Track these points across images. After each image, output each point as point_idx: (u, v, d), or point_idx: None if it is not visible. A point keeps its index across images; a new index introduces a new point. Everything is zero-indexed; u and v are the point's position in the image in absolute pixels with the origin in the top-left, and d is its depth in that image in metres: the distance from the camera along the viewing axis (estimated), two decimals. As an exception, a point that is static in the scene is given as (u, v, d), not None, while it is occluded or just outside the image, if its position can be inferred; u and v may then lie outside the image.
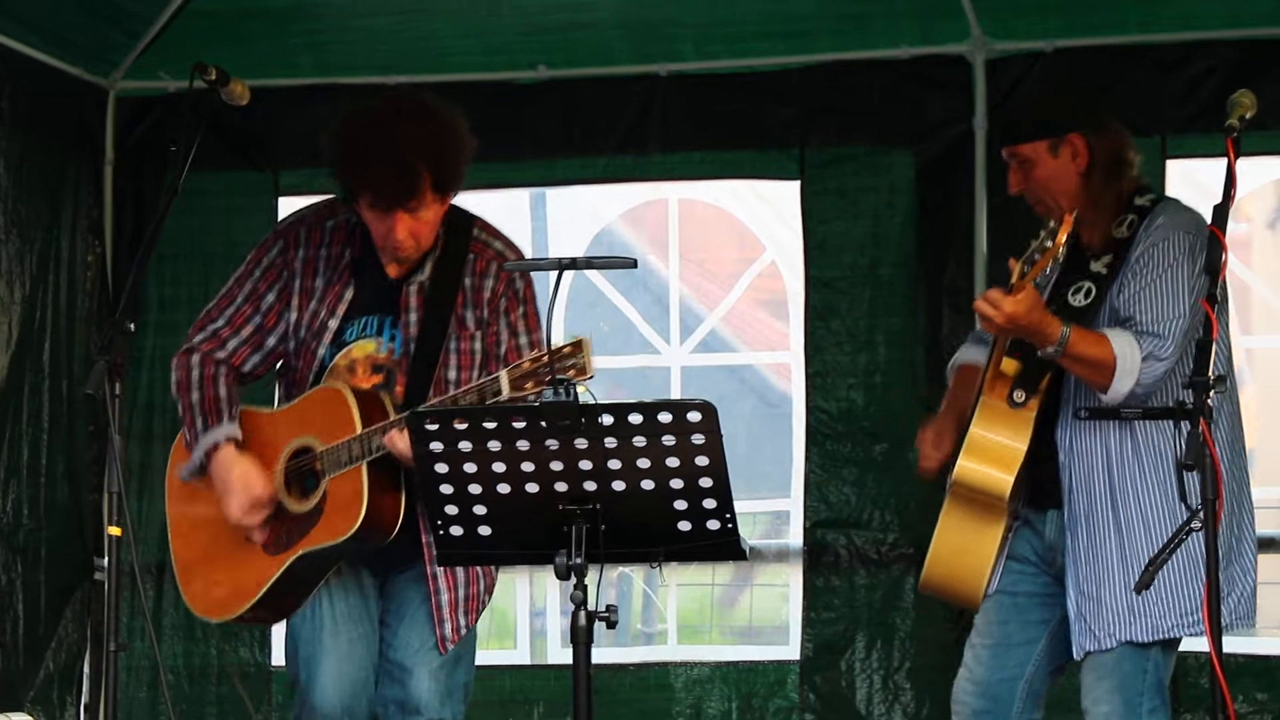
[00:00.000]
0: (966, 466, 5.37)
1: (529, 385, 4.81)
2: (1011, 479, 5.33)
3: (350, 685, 5.36)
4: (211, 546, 5.45)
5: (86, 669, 7.56)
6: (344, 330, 5.38)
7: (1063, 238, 5.06)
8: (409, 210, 5.20)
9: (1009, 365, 5.35)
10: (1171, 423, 5.31)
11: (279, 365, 5.52)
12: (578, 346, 4.74)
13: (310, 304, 5.41)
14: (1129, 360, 5.23)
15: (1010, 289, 5.10)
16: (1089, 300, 5.39)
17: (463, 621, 5.38)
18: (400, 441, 5.00)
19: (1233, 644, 7.11)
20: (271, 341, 5.47)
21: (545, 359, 4.79)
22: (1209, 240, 4.70)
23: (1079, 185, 5.44)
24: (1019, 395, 5.34)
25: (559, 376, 4.64)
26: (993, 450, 5.35)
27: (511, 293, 5.34)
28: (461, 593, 5.37)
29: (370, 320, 5.38)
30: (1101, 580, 5.37)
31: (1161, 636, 5.37)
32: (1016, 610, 5.55)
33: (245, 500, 5.29)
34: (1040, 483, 5.47)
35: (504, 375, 4.89)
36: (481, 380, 5.03)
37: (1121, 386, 5.24)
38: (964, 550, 5.46)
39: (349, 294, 5.40)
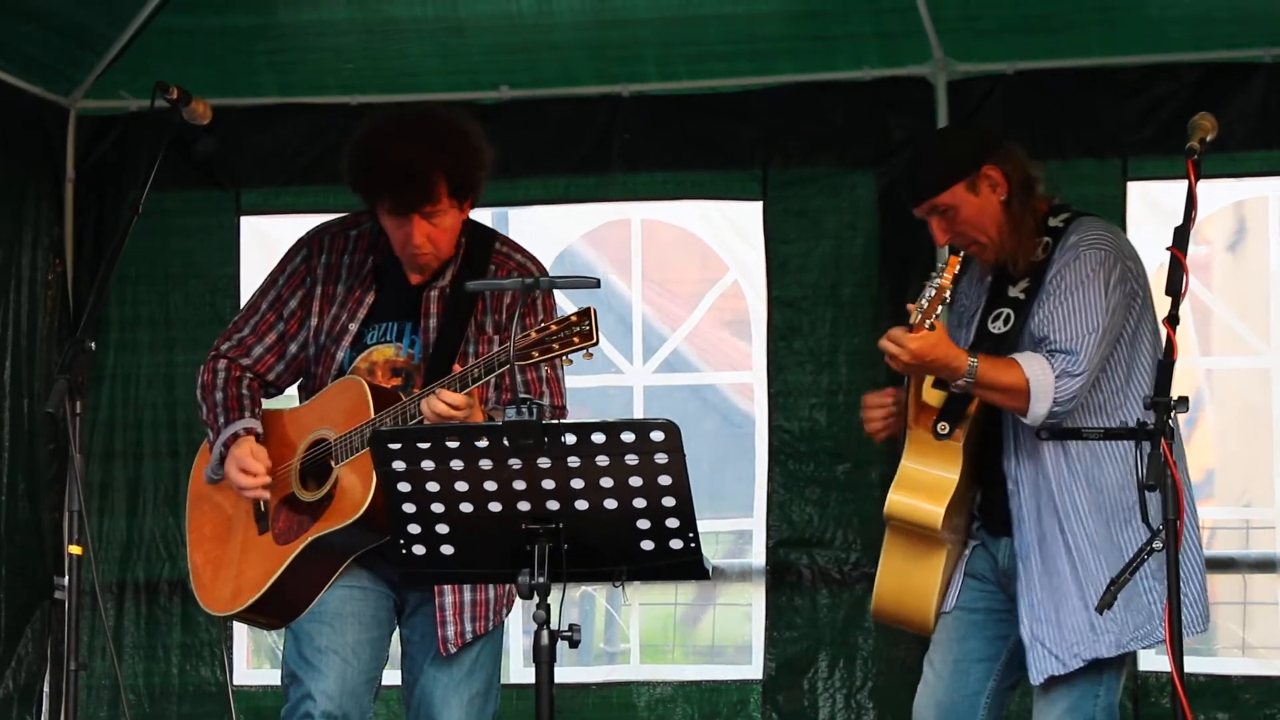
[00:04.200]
0: (897, 500, 5.39)
1: (535, 354, 4.81)
2: (941, 510, 5.34)
3: (352, 685, 5.36)
4: (227, 543, 5.47)
5: (46, 688, 7.52)
6: (364, 334, 5.44)
7: (948, 279, 5.03)
8: (425, 215, 5.27)
9: (933, 396, 5.38)
10: (1111, 444, 5.37)
11: (299, 380, 5.56)
12: (584, 315, 4.78)
13: (331, 309, 5.47)
14: (1042, 382, 5.25)
15: (910, 328, 5.09)
16: (1008, 326, 5.42)
17: (468, 627, 5.38)
18: (431, 408, 5.02)
19: (1193, 664, 7.15)
20: (293, 348, 5.52)
21: (552, 328, 4.79)
22: (1172, 263, 4.72)
23: (1003, 215, 5.44)
24: (942, 427, 5.36)
25: (564, 350, 4.72)
26: (923, 482, 5.37)
27: (530, 301, 5.35)
28: (467, 596, 5.37)
29: (390, 325, 5.44)
30: (1060, 603, 5.38)
31: (1124, 650, 5.39)
32: (975, 627, 5.56)
33: (242, 466, 5.32)
34: (992, 509, 5.49)
35: (511, 345, 4.88)
36: (491, 352, 5.05)
37: (1039, 409, 5.26)
38: (908, 580, 5.48)
39: (370, 299, 5.46)
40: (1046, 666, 5.39)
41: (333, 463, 5.27)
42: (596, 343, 4.77)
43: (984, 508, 5.54)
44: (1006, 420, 5.43)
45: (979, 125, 5.73)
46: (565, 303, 8.91)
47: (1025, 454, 5.42)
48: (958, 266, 5.06)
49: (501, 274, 5.43)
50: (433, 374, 5.27)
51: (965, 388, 5.25)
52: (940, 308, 5.07)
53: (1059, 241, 5.44)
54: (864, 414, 5.63)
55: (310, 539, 5.27)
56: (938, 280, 5.02)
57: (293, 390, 5.65)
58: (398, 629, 5.54)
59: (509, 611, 5.52)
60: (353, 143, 5.39)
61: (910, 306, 5.13)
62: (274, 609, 5.40)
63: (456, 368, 5.13)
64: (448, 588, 5.33)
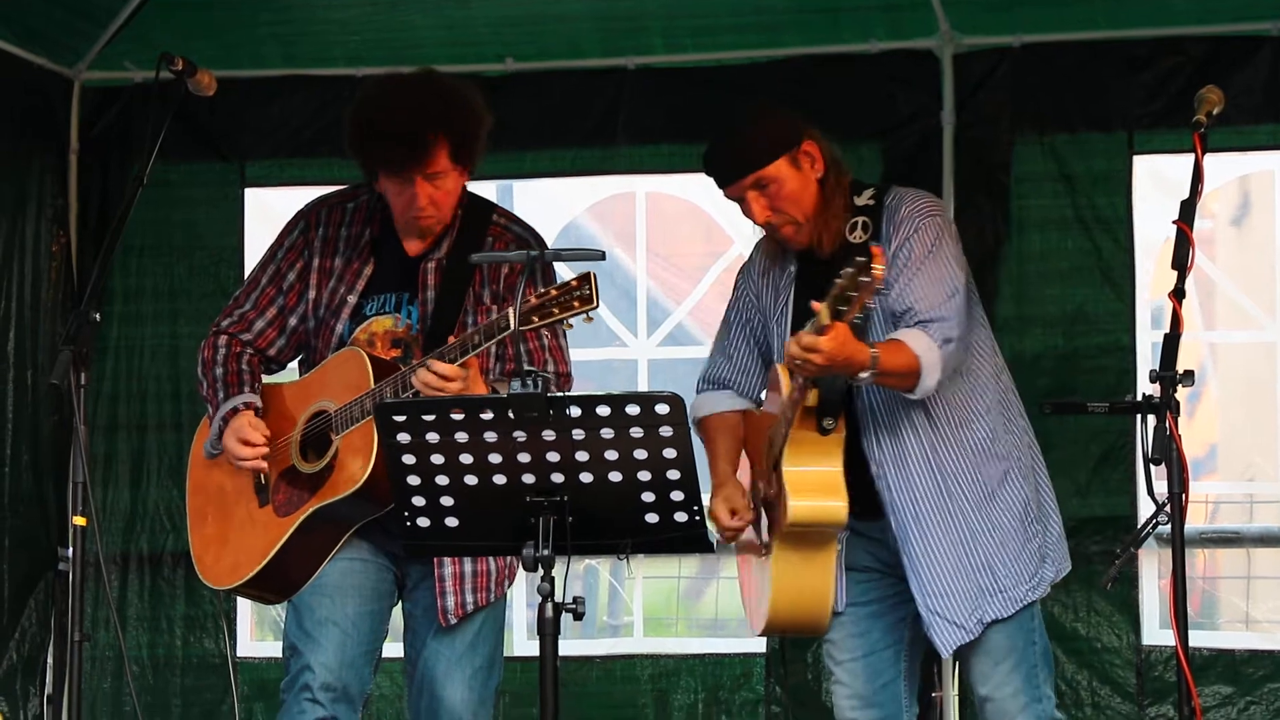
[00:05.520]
0: (801, 505, 5.25)
1: (536, 319, 4.77)
2: (845, 503, 5.26)
3: (352, 657, 5.37)
4: (227, 516, 5.46)
5: (50, 660, 7.53)
6: (362, 306, 5.44)
7: (881, 270, 4.82)
8: (427, 177, 5.26)
9: (809, 396, 5.25)
10: (975, 401, 5.39)
11: (300, 355, 5.57)
12: (584, 279, 4.74)
13: (329, 283, 5.47)
14: (930, 355, 5.21)
15: (820, 330, 4.94)
16: None
17: (469, 598, 5.38)
18: (422, 380, 5.02)
19: (1197, 638, 7.18)
20: (293, 322, 5.52)
21: (552, 293, 4.76)
22: (1178, 237, 4.72)
23: (819, 193, 5.37)
24: (829, 423, 5.27)
25: (564, 314, 4.68)
26: (818, 482, 5.27)
27: (530, 278, 5.31)
28: (468, 568, 5.37)
29: (389, 297, 5.44)
30: (947, 573, 5.36)
31: (1017, 607, 5.37)
32: (873, 618, 5.51)
33: (242, 438, 5.32)
34: (857, 493, 5.37)
35: (511, 311, 4.87)
36: (491, 319, 5.05)
37: (929, 382, 5.22)
38: (805, 584, 5.38)
39: (368, 271, 5.45)
40: (951, 638, 5.37)
41: (333, 434, 5.27)
42: (596, 306, 4.74)
43: (852, 494, 5.41)
44: (863, 403, 5.37)
45: (784, 107, 5.60)
46: (569, 275, 8.91)
47: (886, 434, 5.37)
48: (884, 257, 4.95)
49: (499, 246, 5.41)
50: (432, 345, 5.26)
51: (868, 380, 5.16)
52: (866, 307, 4.98)
53: (881, 218, 5.37)
54: (718, 524, 5.49)
55: (310, 510, 5.27)
56: (867, 275, 4.81)
57: (293, 365, 5.65)
58: (400, 603, 5.54)
59: (510, 584, 5.52)
60: (353, 106, 5.38)
61: (816, 306, 4.92)
62: (275, 582, 5.40)
63: (451, 339, 5.12)
64: (448, 559, 5.33)
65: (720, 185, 5.42)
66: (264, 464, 5.34)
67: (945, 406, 5.37)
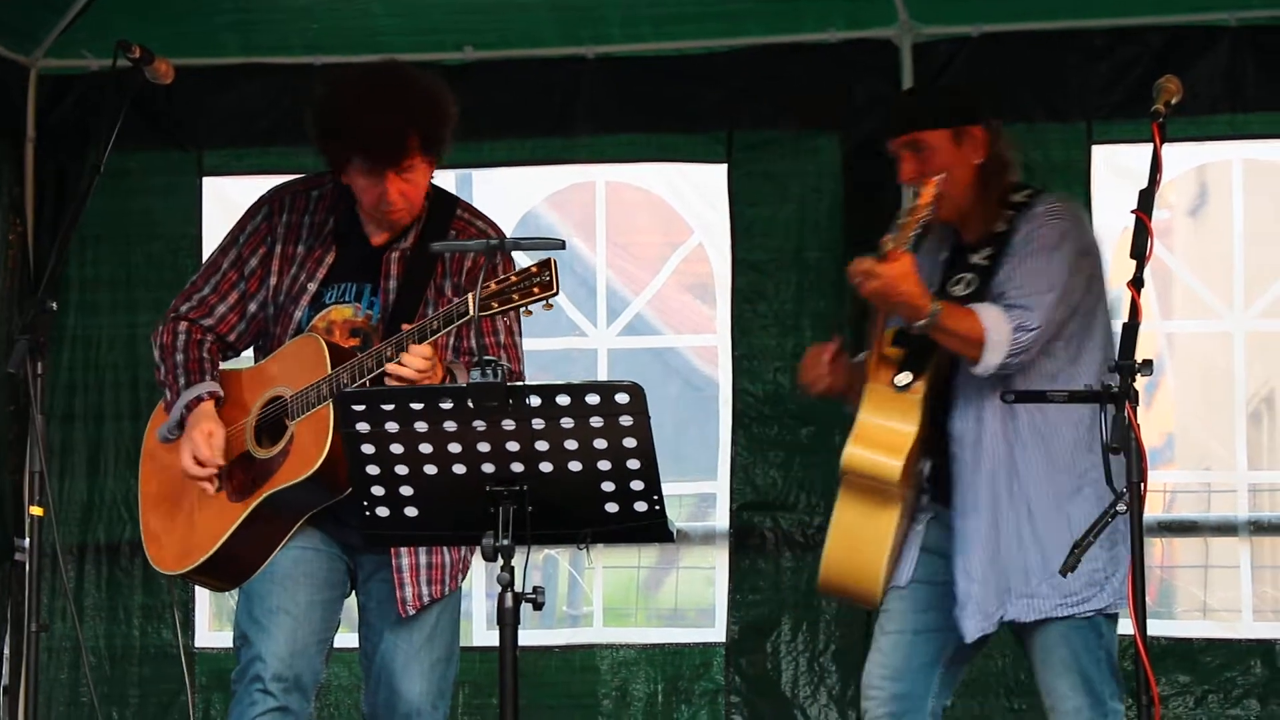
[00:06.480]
0: (855, 453, 5.38)
1: (495, 304, 4.80)
2: (900, 463, 5.34)
3: (303, 645, 5.35)
4: (180, 501, 5.44)
5: (6, 650, 7.50)
6: (322, 294, 5.42)
7: (928, 197, 5.15)
8: (399, 171, 5.25)
9: (892, 351, 5.40)
10: (1068, 413, 5.38)
11: (258, 341, 5.55)
12: (544, 265, 4.77)
13: (290, 269, 5.45)
14: (997, 332, 5.29)
15: (884, 258, 5.17)
16: (970, 290, 5.44)
17: (425, 590, 5.37)
18: (408, 364, 5.01)
19: (1155, 627, 7.21)
20: (253, 308, 5.50)
21: (512, 279, 4.78)
22: (1137, 227, 4.72)
23: (972, 178, 5.48)
24: (903, 378, 5.37)
25: (524, 300, 4.73)
26: (881, 435, 5.37)
27: (491, 268, 5.32)
28: (423, 559, 5.36)
29: (349, 286, 5.42)
30: (983, 562, 5.39)
31: (1038, 616, 5.39)
32: (937, 597, 5.53)
33: (195, 454, 5.30)
34: (943, 479, 5.47)
35: (470, 297, 4.90)
36: (449, 305, 5.04)
37: (991, 359, 5.29)
38: (859, 536, 5.44)
39: (329, 259, 5.44)
40: (974, 626, 5.41)
41: (288, 420, 5.26)
42: (556, 292, 4.77)
43: (934, 478, 5.54)
44: (957, 380, 5.44)
45: (992, 88, 5.76)
46: (525, 262, 8.87)
47: (975, 413, 5.43)
48: (935, 188, 5.10)
49: (462, 238, 5.41)
50: (391, 335, 5.25)
51: (924, 329, 5.27)
52: (916, 231, 5.11)
53: (1023, 212, 5.48)
54: (803, 363, 5.64)
55: (264, 496, 5.26)
56: (914, 201, 5.09)
57: (249, 353, 5.63)
58: (353, 595, 5.52)
59: (465, 576, 5.51)
60: (317, 103, 5.36)
61: (885, 239, 5.19)
62: (225, 568, 5.39)
63: (405, 327, 5.11)
64: (404, 550, 5.32)
65: (888, 136, 5.57)
66: (210, 485, 5.32)
67: (1032, 409, 5.40)
